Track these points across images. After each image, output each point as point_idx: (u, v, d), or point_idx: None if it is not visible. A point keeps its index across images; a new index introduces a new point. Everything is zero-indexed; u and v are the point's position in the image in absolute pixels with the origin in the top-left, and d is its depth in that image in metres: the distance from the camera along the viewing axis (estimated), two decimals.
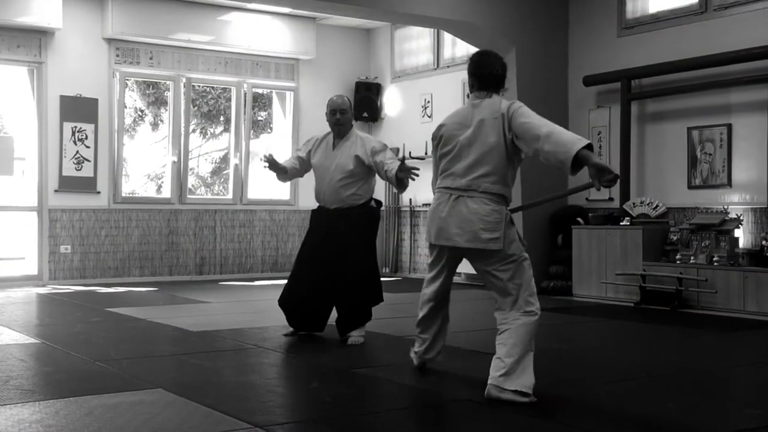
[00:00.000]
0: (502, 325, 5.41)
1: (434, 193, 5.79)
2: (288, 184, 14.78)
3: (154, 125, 20.79)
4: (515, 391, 5.16)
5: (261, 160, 7.92)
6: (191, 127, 15.96)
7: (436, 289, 5.87)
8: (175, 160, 13.92)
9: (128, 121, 19.43)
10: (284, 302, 7.75)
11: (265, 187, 15.96)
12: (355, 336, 7.48)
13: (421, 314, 5.96)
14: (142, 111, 20.63)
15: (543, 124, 5.35)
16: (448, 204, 5.54)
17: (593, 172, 5.10)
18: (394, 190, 13.80)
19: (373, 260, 7.70)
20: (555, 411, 5.06)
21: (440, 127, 5.77)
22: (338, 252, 7.46)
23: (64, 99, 12.82)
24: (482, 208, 5.43)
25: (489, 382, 5.27)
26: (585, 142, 5.13)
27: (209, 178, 22.37)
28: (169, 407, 5.01)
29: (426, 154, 13.34)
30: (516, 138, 5.45)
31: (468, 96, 5.88)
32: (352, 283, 7.47)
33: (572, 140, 5.18)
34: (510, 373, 5.21)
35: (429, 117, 14.01)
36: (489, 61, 5.73)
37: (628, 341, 8.16)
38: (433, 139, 5.83)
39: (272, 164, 7.69)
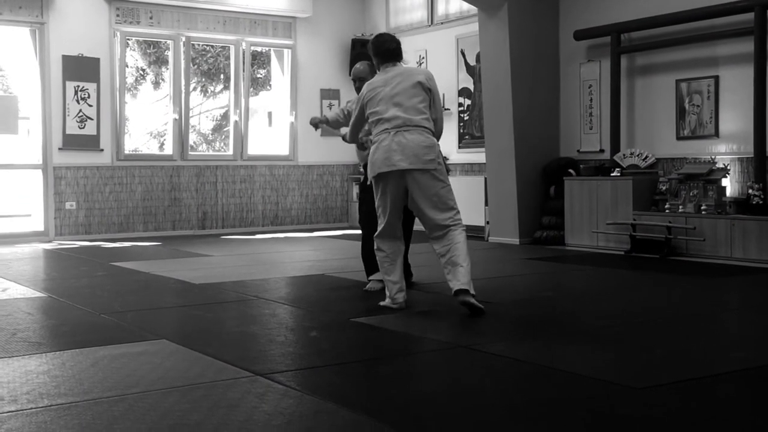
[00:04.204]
0: (447, 245, 6.57)
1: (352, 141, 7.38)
2: (287, 140, 14.99)
3: (156, 84, 20.90)
4: (474, 294, 6.47)
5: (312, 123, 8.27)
6: (192, 86, 16.11)
7: (383, 226, 6.80)
8: (177, 117, 14.09)
9: (130, 80, 19.57)
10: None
11: (265, 143, 16.15)
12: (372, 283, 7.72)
13: (382, 263, 6.88)
14: (143, 70, 20.72)
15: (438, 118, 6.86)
16: (389, 139, 6.57)
17: None
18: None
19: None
20: (545, 356, 5.17)
21: (363, 93, 6.88)
22: None
23: (66, 59, 12.95)
24: (418, 137, 6.56)
25: (460, 288, 6.43)
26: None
27: (210, 135, 22.49)
28: (172, 357, 5.09)
29: None
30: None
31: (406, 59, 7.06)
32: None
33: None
34: (470, 279, 6.48)
35: None
36: (385, 40, 6.95)
37: (618, 288, 8.24)
38: (358, 101, 7.00)
39: (316, 125, 8.15)
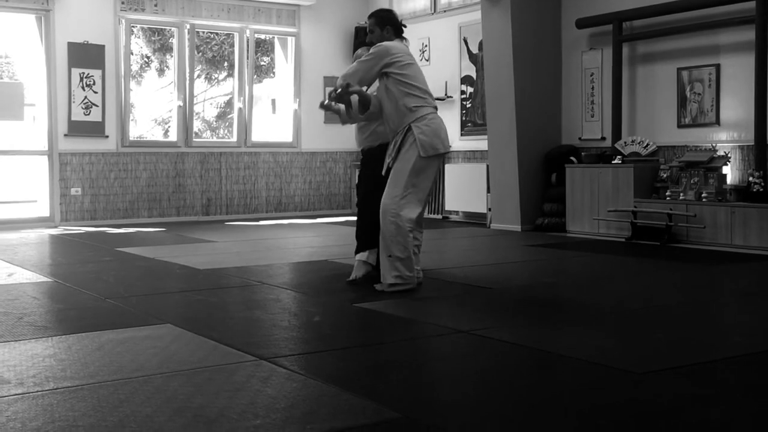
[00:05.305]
0: (420, 240, 6.98)
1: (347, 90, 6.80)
2: (291, 127, 15.04)
3: (160, 71, 20.93)
4: None
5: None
6: (196, 73, 16.18)
7: (420, 212, 6.83)
8: (181, 104, 14.13)
9: (135, 67, 19.61)
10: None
11: (269, 130, 16.20)
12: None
13: (408, 244, 6.79)
14: (148, 57, 20.76)
15: None
16: (439, 120, 6.79)
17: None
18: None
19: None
20: (547, 341, 5.19)
21: (395, 48, 6.76)
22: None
23: (71, 46, 13.01)
24: None
25: (419, 273, 6.97)
26: None
27: (214, 122, 22.51)
28: (177, 341, 5.10)
29: None
30: None
31: (404, 47, 7.00)
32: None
33: None
34: None
35: (427, 61, 14.13)
36: (396, 15, 7.12)
37: (619, 275, 8.24)
38: (386, 55, 6.70)
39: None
